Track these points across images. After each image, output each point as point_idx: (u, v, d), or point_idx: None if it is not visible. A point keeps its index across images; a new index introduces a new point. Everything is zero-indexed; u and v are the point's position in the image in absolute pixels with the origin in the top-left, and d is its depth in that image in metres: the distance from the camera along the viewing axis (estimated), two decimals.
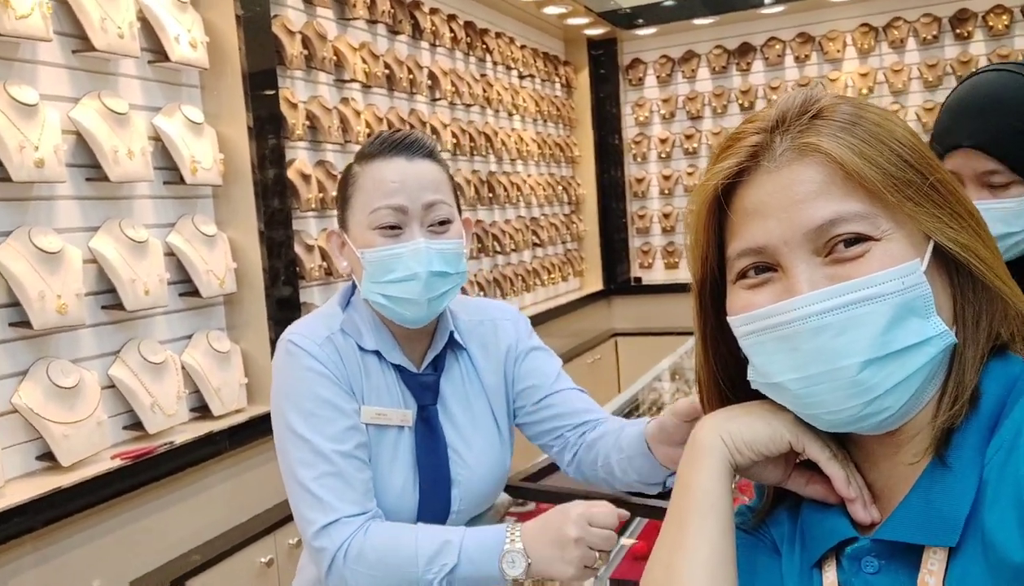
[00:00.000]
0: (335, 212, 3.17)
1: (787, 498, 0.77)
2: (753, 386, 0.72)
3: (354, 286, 1.36)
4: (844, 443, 0.73)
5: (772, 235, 0.66)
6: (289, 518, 2.48)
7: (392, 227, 1.24)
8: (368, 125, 3.28)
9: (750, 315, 0.68)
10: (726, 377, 0.77)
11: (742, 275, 0.70)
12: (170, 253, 2.44)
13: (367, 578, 1.15)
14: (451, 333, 1.35)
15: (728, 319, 0.71)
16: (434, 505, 1.29)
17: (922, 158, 0.66)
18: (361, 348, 1.29)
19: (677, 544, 0.69)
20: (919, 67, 4.89)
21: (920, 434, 0.66)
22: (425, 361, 1.34)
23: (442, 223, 1.27)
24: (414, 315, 1.25)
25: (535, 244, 4.89)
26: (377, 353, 1.30)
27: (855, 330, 0.62)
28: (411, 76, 3.64)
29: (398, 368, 1.31)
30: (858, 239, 0.64)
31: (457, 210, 1.32)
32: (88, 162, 2.20)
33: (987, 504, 0.60)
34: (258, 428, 2.50)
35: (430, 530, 1.17)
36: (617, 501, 1.30)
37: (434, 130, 3.79)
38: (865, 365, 0.62)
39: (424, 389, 1.31)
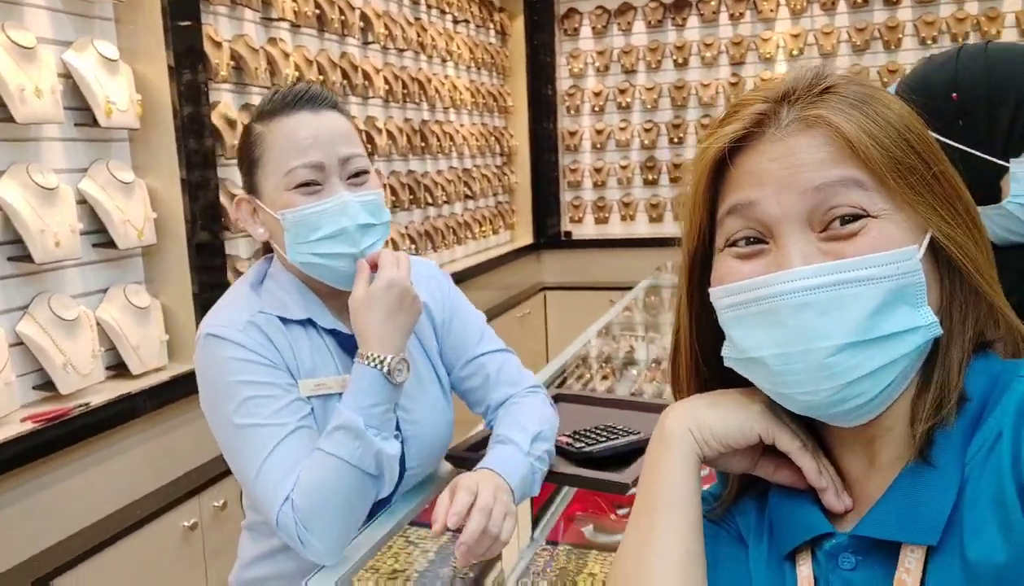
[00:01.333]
0: None
1: (753, 487, 0.76)
2: (726, 363, 0.70)
3: (268, 261, 1.31)
4: (819, 433, 0.72)
5: (767, 195, 0.64)
6: (213, 480, 2.44)
7: (311, 184, 1.18)
8: (297, 68, 3.12)
9: (733, 285, 0.66)
10: (704, 356, 0.75)
11: (732, 243, 0.67)
12: (83, 201, 2.27)
13: (327, 525, 1.10)
14: None
15: (710, 289, 0.69)
16: None
17: (928, 147, 0.65)
18: (286, 321, 1.23)
19: (646, 537, 0.69)
20: (848, 30, 4.96)
21: (895, 428, 0.65)
22: None
23: (359, 174, 1.22)
24: (347, 267, 1.21)
25: (467, 196, 4.81)
26: (307, 322, 1.25)
27: (840, 311, 0.61)
28: (343, 17, 3.47)
29: (332, 333, 1.26)
30: (855, 217, 0.62)
31: (369, 160, 1.28)
32: None
33: (967, 503, 0.59)
34: (180, 387, 2.39)
35: (331, 441, 1.14)
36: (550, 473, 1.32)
37: (366, 75, 3.64)
38: (841, 349, 0.61)
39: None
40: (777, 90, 0.67)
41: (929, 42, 4.77)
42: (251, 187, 1.24)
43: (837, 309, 0.61)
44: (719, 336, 0.71)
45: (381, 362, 1.13)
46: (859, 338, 0.61)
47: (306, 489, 1.10)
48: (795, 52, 5.03)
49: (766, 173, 0.65)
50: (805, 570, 0.68)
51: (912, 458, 0.63)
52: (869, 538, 0.63)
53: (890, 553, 0.63)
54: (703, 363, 0.75)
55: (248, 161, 1.22)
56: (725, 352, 0.70)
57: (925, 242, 0.63)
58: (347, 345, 1.27)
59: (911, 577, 0.60)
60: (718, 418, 0.70)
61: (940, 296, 0.65)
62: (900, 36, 4.84)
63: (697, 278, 0.73)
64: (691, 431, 0.70)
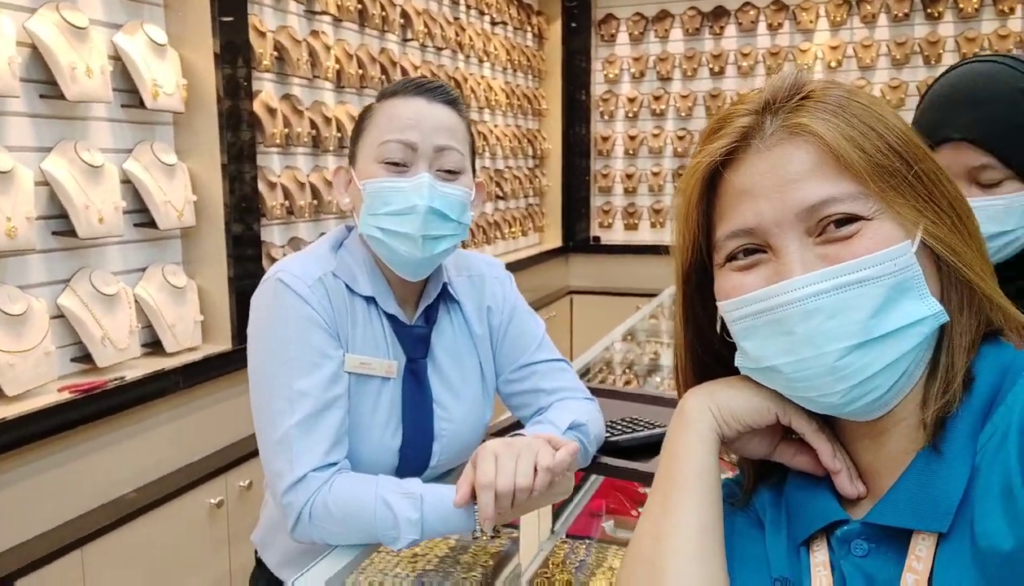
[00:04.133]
0: (299, 150, 3.10)
1: (771, 475, 0.78)
2: (743, 372, 0.72)
3: (349, 230, 1.31)
4: (831, 425, 0.73)
5: (764, 216, 0.66)
6: (241, 460, 2.47)
7: (399, 164, 1.19)
8: (338, 61, 3.16)
9: (742, 299, 0.67)
10: (709, 364, 0.77)
11: (731, 257, 0.69)
12: (126, 181, 2.33)
13: (333, 534, 1.12)
14: (444, 285, 1.31)
15: (719, 304, 0.70)
16: (414, 459, 1.26)
17: (909, 146, 0.66)
18: (352, 292, 1.23)
19: (665, 513, 0.70)
20: (888, 44, 4.92)
21: (907, 419, 0.66)
22: (417, 312, 1.29)
23: (451, 171, 1.21)
24: (408, 252, 1.19)
25: (498, 196, 4.84)
26: (369, 300, 1.25)
27: (846, 313, 0.62)
28: (384, 13, 3.52)
29: (390, 318, 1.26)
30: (849, 219, 0.64)
31: (471, 167, 1.27)
32: (43, 78, 2.07)
33: (978, 491, 0.60)
34: (212, 367, 2.43)
35: (391, 492, 1.11)
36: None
37: (404, 72, 3.68)
38: (850, 350, 0.62)
39: (416, 342, 1.27)
40: (758, 101, 0.69)
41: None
42: (352, 157, 1.26)
43: (842, 312, 0.62)
44: (722, 344, 0.73)
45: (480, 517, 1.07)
46: (866, 338, 0.62)
47: (340, 504, 1.10)
48: (833, 64, 4.99)
49: (758, 189, 0.66)
50: (820, 556, 0.69)
51: (923, 446, 0.64)
52: (881, 525, 0.64)
53: (902, 540, 0.63)
54: (704, 371, 0.77)
55: (355, 133, 1.25)
56: (739, 362, 0.71)
57: (918, 236, 0.64)
58: (403, 334, 1.27)
59: (922, 563, 0.61)
60: (736, 398, 0.72)
61: (939, 284, 0.66)
62: (941, 52, 4.80)
63: (692, 290, 0.75)
64: (710, 410, 0.72)
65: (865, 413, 0.66)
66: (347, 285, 1.23)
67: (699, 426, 0.72)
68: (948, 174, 0.68)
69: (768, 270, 0.66)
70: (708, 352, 0.77)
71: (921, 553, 0.62)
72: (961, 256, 0.65)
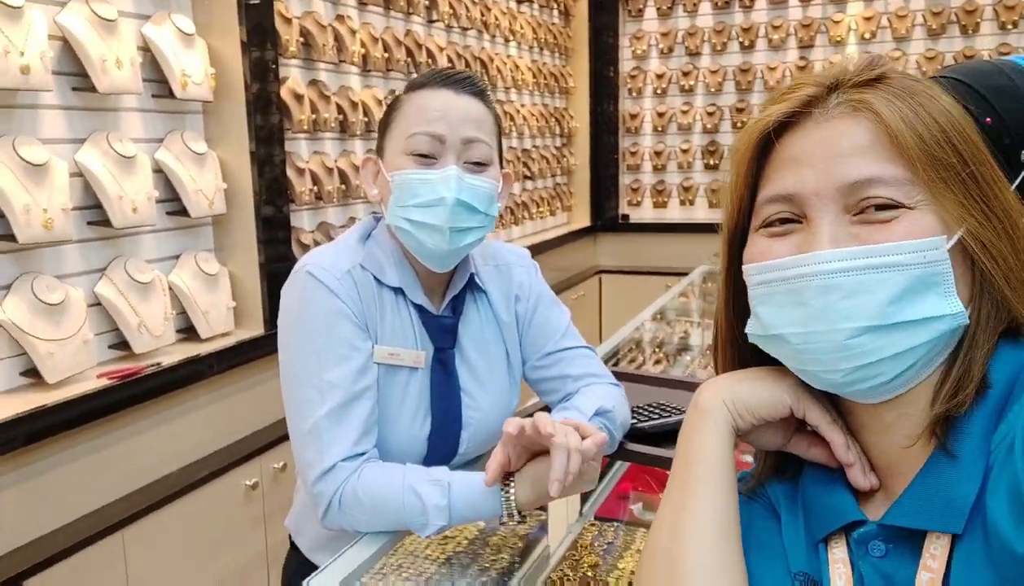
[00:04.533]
0: (327, 135, 3.11)
1: (787, 471, 0.78)
2: (750, 339, 0.72)
3: (377, 220, 1.32)
4: (843, 418, 0.73)
5: (806, 184, 0.66)
6: (274, 443, 2.52)
7: (427, 156, 1.20)
8: (363, 45, 3.17)
9: (765, 264, 0.68)
10: (742, 333, 0.76)
11: (766, 223, 0.69)
12: (158, 170, 2.36)
13: (362, 522, 1.15)
14: (471, 275, 1.32)
15: (744, 266, 0.71)
16: (442, 447, 1.28)
17: (969, 146, 0.65)
18: (380, 283, 1.25)
19: (681, 507, 0.70)
20: (924, 14, 4.80)
21: (916, 415, 0.66)
22: (444, 302, 1.31)
23: (479, 163, 1.22)
24: (435, 245, 1.20)
25: (526, 177, 4.83)
26: (397, 291, 1.26)
27: (864, 295, 0.62)
28: None
29: (418, 308, 1.28)
30: (889, 205, 0.63)
31: (499, 158, 1.27)
32: (75, 70, 2.11)
33: (991, 492, 0.60)
34: (245, 353, 2.48)
35: (419, 479, 1.12)
36: None
37: (430, 54, 3.67)
38: (862, 331, 0.62)
39: (443, 332, 1.28)
40: (830, 75, 0.69)
41: (1009, 27, 4.59)
42: (380, 149, 1.27)
43: (861, 293, 0.62)
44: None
45: (508, 500, 1.09)
46: (881, 322, 0.62)
47: (369, 492, 1.12)
48: (867, 35, 4.89)
49: (807, 157, 0.66)
50: (839, 553, 0.69)
51: (937, 447, 0.64)
52: (897, 526, 0.64)
53: (918, 540, 0.64)
54: (740, 340, 0.76)
55: (384, 124, 1.26)
56: (749, 329, 0.71)
57: (957, 235, 0.63)
58: (431, 324, 1.28)
59: (937, 562, 0.62)
60: (751, 391, 0.73)
61: (971, 288, 0.65)
62: (978, 20, 4.67)
63: (735, 255, 0.75)
64: (725, 403, 0.72)
65: (865, 396, 0.66)
66: (375, 277, 1.24)
67: (714, 419, 0.72)
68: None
69: (798, 239, 0.67)
70: (740, 315, 0.76)
71: (936, 552, 0.62)
72: (1000, 263, 0.64)
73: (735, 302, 0.76)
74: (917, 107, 0.64)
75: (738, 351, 0.77)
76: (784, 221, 0.68)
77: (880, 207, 0.63)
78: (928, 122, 0.64)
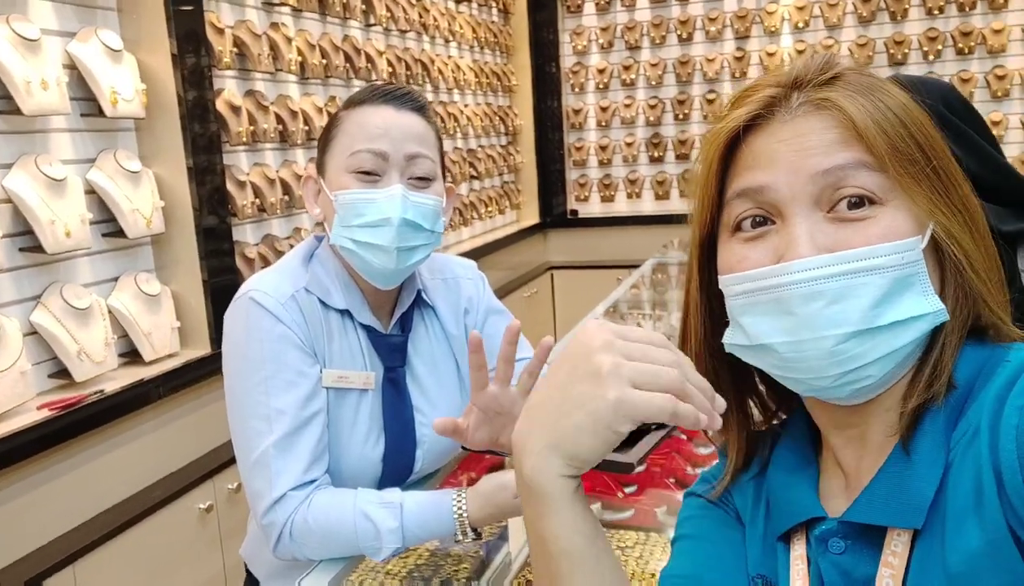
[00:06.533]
0: (267, 146, 3.05)
1: (752, 467, 0.78)
2: (727, 349, 0.70)
3: (319, 241, 1.30)
4: (816, 416, 0.73)
5: (777, 178, 0.65)
6: (227, 463, 2.48)
7: (370, 173, 1.18)
8: (300, 52, 3.12)
9: (744, 274, 0.66)
10: (714, 339, 0.74)
11: (738, 227, 0.68)
12: (91, 191, 2.30)
13: (315, 550, 1.14)
14: (419, 291, 1.31)
15: (720, 278, 0.69)
16: (398, 466, 1.27)
17: (930, 141, 0.65)
18: (326, 306, 1.23)
19: None
20: (854, 1, 4.91)
21: (890, 411, 0.67)
22: (392, 320, 1.29)
23: (423, 178, 1.21)
24: (381, 264, 1.19)
25: (472, 177, 4.81)
26: (344, 313, 1.25)
27: (847, 301, 0.62)
28: (344, 0, 3.47)
29: (366, 328, 1.26)
30: (863, 201, 0.63)
31: (442, 173, 1.26)
32: None
33: (951, 488, 0.61)
34: (192, 373, 2.42)
35: (369, 503, 1.12)
36: None
37: (369, 58, 3.64)
38: (849, 337, 0.62)
39: (392, 350, 1.27)
40: (788, 75, 0.68)
41: (936, 12, 4.72)
42: (320, 167, 1.25)
43: (844, 299, 0.62)
44: (727, 321, 0.71)
45: (461, 517, 1.10)
46: (866, 326, 0.62)
47: (320, 520, 1.11)
48: (800, 24, 4.98)
49: (776, 154, 0.66)
50: (799, 549, 0.69)
51: (898, 443, 0.64)
52: (857, 523, 0.65)
53: (878, 537, 0.64)
54: (713, 346, 0.74)
55: (323, 141, 1.24)
56: (727, 339, 0.70)
57: (928, 232, 0.64)
58: (379, 343, 1.27)
59: (898, 558, 0.62)
60: (582, 445, 0.61)
61: (940, 282, 0.66)
62: (907, 7, 4.79)
63: (706, 262, 0.74)
64: (561, 475, 0.62)
65: (848, 399, 0.66)
66: (320, 300, 1.23)
67: (559, 501, 0.62)
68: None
69: (775, 242, 0.65)
70: (718, 324, 0.73)
71: (897, 549, 0.63)
72: (968, 253, 0.65)
73: (706, 312, 0.75)
74: (878, 102, 0.65)
75: (710, 363, 0.75)
76: (756, 223, 0.67)
77: (854, 204, 0.63)
78: (891, 117, 0.64)
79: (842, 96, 0.65)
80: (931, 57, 4.75)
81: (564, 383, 0.62)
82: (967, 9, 4.67)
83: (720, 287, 0.69)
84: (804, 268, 0.63)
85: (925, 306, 0.63)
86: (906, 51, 4.81)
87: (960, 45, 4.69)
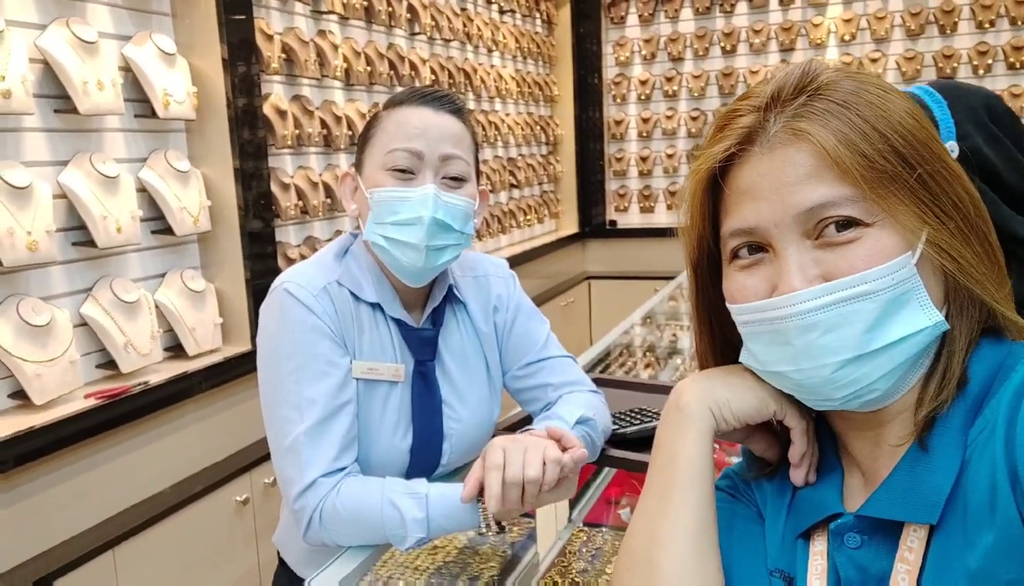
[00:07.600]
0: (311, 150, 3.12)
1: (773, 467, 0.79)
2: (750, 367, 0.73)
3: (354, 237, 1.33)
4: (832, 420, 0.74)
5: (763, 216, 0.66)
6: (264, 458, 2.53)
7: (405, 171, 1.21)
8: (346, 59, 3.19)
9: (743, 307, 0.69)
10: (727, 348, 0.78)
11: (735, 255, 0.70)
12: (142, 189, 2.37)
13: (343, 536, 1.16)
14: (450, 287, 1.34)
15: (728, 306, 0.72)
16: (425, 459, 1.29)
17: (914, 145, 0.64)
18: (357, 299, 1.26)
19: (660, 513, 0.70)
20: (902, 15, 4.85)
21: (904, 414, 0.67)
22: (424, 315, 1.32)
23: (456, 179, 1.24)
24: (411, 262, 1.21)
25: (512, 185, 4.85)
26: (375, 306, 1.27)
27: (842, 328, 0.63)
28: (390, 9, 3.53)
29: (397, 322, 1.29)
30: (849, 223, 0.64)
31: (475, 175, 1.29)
32: (56, 93, 2.12)
33: (968, 485, 0.61)
34: (233, 369, 2.48)
35: (396, 492, 1.14)
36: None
37: (413, 66, 3.69)
38: (846, 363, 0.63)
39: (423, 344, 1.29)
40: (764, 96, 0.68)
41: (987, 26, 4.64)
42: (358, 164, 1.28)
43: (838, 327, 0.63)
44: (735, 334, 0.74)
45: (485, 510, 1.11)
46: (863, 351, 0.63)
47: (348, 507, 1.14)
48: (847, 37, 4.93)
49: (758, 191, 0.67)
50: (820, 545, 0.70)
51: (915, 442, 0.65)
52: (873, 518, 0.66)
53: (895, 533, 0.65)
54: (729, 354, 0.77)
55: (363, 140, 1.28)
56: (744, 360, 0.72)
57: (919, 246, 0.64)
58: (410, 337, 1.29)
59: (913, 554, 0.63)
60: (736, 397, 0.73)
61: (943, 288, 0.66)
62: (956, 20, 4.72)
63: (704, 283, 0.77)
64: (711, 410, 0.72)
65: (863, 408, 0.67)
66: (352, 292, 1.25)
67: (698, 426, 0.72)
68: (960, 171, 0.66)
69: (768, 271, 0.67)
70: (726, 332, 0.77)
71: (913, 545, 0.63)
72: (962, 263, 0.65)
73: (710, 333, 0.78)
74: (855, 118, 0.63)
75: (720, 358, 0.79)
76: (753, 249, 0.69)
77: (840, 226, 0.63)
78: (869, 134, 0.63)
79: (816, 123, 0.64)
80: (981, 71, 4.67)
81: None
82: (1019, 23, 4.58)
83: (731, 313, 0.72)
84: (795, 301, 0.64)
85: (923, 320, 0.63)
86: (955, 65, 4.73)
87: (1012, 59, 4.60)
